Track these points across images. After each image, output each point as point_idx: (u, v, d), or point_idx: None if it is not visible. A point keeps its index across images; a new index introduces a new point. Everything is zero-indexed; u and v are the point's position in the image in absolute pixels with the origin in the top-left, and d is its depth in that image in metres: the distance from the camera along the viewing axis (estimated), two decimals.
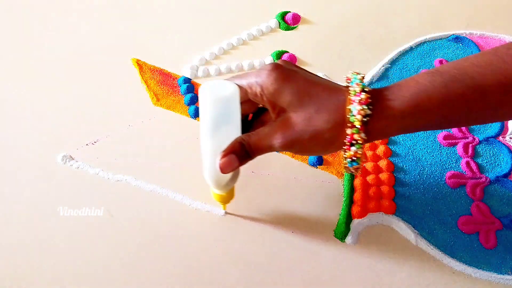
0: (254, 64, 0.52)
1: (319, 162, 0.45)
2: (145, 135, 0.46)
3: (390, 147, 0.46)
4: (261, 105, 0.36)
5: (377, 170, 0.44)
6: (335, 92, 0.32)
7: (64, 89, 0.50)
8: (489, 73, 0.31)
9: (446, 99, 0.31)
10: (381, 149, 0.46)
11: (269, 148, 0.34)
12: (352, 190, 0.43)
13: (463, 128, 0.48)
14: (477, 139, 0.47)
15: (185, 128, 0.47)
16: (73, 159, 0.44)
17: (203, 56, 0.53)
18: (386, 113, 0.31)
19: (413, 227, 0.41)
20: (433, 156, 0.46)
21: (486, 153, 0.46)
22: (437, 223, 0.41)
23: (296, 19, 0.57)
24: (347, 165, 0.33)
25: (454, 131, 0.47)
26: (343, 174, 0.44)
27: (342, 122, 0.31)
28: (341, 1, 0.60)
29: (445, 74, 0.31)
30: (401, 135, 0.47)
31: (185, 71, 0.51)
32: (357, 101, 0.31)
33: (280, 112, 0.33)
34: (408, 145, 0.46)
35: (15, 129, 0.46)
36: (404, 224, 0.41)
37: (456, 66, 0.32)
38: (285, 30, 0.56)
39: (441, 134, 0.47)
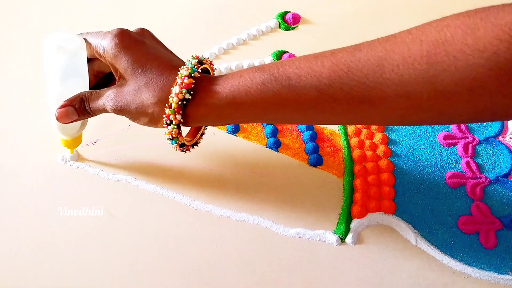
0: (254, 64, 0.52)
1: (319, 162, 0.45)
2: (145, 135, 0.46)
3: (390, 147, 0.46)
4: None
5: (377, 170, 0.44)
6: (168, 70, 0.33)
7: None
8: (305, 75, 0.31)
9: (262, 95, 0.32)
10: (381, 149, 0.46)
11: (104, 109, 0.36)
12: (352, 190, 0.43)
13: (463, 128, 0.48)
14: (477, 139, 0.47)
15: (185, 128, 0.47)
16: (77, 159, 0.44)
17: (203, 56, 0.53)
18: (205, 101, 0.33)
19: (413, 227, 0.41)
20: (433, 156, 0.46)
21: (486, 153, 0.46)
22: (437, 223, 0.41)
23: (296, 19, 0.57)
24: (169, 143, 0.35)
25: (454, 131, 0.47)
26: (343, 174, 0.44)
27: (164, 100, 0.33)
28: (341, 1, 0.60)
29: (266, 72, 0.32)
30: (402, 136, 0.47)
31: None
32: (179, 84, 0.32)
33: (120, 78, 0.35)
34: (408, 145, 0.46)
35: (15, 129, 0.46)
36: (404, 224, 0.41)
37: (279, 66, 0.32)
38: (285, 30, 0.56)
39: (441, 134, 0.47)
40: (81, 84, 0.36)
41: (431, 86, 0.28)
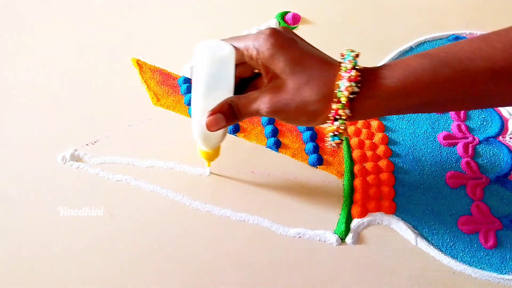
0: None
1: (319, 162, 0.45)
2: (145, 135, 0.46)
3: (390, 147, 0.46)
4: (256, 70, 0.37)
5: (377, 170, 0.44)
6: (327, 66, 0.33)
7: (64, 89, 0.50)
8: (478, 58, 0.31)
9: (434, 81, 0.31)
10: (381, 149, 0.46)
11: (256, 112, 0.34)
12: (352, 190, 0.43)
13: (463, 128, 0.48)
14: (477, 139, 0.47)
15: (185, 128, 0.47)
16: (77, 159, 0.44)
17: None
18: (373, 93, 0.32)
19: (413, 227, 0.41)
20: (433, 156, 0.46)
21: (486, 153, 0.46)
22: (437, 223, 0.41)
23: (296, 19, 0.57)
24: (328, 139, 0.34)
25: (454, 131, 0.47)
26: (343, 174, 0.44)
27: (329, 96, 0.32)
28: (341, 1, 0.60)
29: (434, 57, 0.32)
30: (402, 136, 0.47)
31: (185, 71, 0.51)
32: (347, 78, 0.31)
33: (272, 78, 0.34)
34: (408, 145, 0.46)
35: (15, 129, 0.46)
36: (404, 224, 0.41)
37: (446, 50, 0.32)
38: None
39: (441, 134, 0.47)
40: (226, 93, 0.35)
41: None
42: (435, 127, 0.48)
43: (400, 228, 0.41)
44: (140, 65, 0.52)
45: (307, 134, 0.46)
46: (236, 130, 0.46)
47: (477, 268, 0.39)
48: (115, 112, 0.48)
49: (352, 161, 0.45)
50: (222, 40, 0.35)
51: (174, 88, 0.50)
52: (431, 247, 0.40)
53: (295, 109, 0.33)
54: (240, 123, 0.47)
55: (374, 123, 0.47)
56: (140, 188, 0.42)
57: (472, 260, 0.39)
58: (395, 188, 0.43)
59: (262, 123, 0.47)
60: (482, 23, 0.58)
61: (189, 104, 0.48)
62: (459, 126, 0.48)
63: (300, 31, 0.57)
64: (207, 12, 0.58)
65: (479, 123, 0.48)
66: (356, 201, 0.42)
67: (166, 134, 0.46)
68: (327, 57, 0.34)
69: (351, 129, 0.47)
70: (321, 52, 0.34)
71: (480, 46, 0.31)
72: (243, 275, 0.38)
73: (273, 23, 0.56)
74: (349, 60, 0.32)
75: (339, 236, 0.40)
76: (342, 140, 0.34)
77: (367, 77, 0.32)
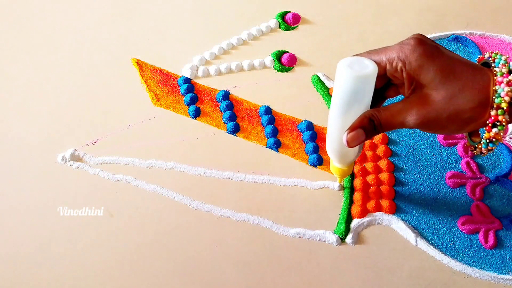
0: (254, 64, 0.52)
1: (319, 162, 0.45)
2: (145, 135, 0.46)
3: (390, 147, 0.46)
4: (395, 82, 0.35)
5: (377, 170, 0.44)
6: (479, 72, 0.31)
7: (64, 89, 0.50)
8: None
9: None
10: (381, 149, 0.46)
11: (401, 125, 0.33)
12: (352, 190, 0.43)
13: None
14: None
15: (185, 128, 0.47)
16: (77, 159, 0.44)
17: (203, 56, 0.53)
18: None
19: (413, 227, 0.41)
20: (433, 156, 0.46)
21: None
22: (437, 223, 0.41)
23: (296, 19, 0.57)
24: (481, 147, 0.32)
25: None
26: None
27: (486, 102, 0.31)
28: (341, 1, 0.60)
29: None
30: (402, 136, 0.47)
31: (185, 71, 0.51)
32: (505, 82, 0.30)
33: (416, 89, 0.33)
34: (408, 145, 0.46)
35: (15, 129, 0.46)
36: (404, 224, 0.41)
37: None
38: (285, 30, 0.56)
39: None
40: (363, 108, 0.35)
41: None
42: None
43: (400, 228, 0.41)
44: (140, 65, 0.52)
45: (307, 134, 0.46)
46: (236, 130, 0.46)
47: (477, 268, 0.39)
48: (115, 112, 0.48)
49: None
50: (361, 55, 0.34)
51: (174, 88, 0.50)
52: (431, 247, 0.40)
53: (446, 119, 0.32)
54: (240, 123, 0.47)
55: None
56: (140, 188, 0.42)
57: (472, 260, 0.39)
58: (395, 188, 0.43)
59: (262, 123, 0.47)
60: (482, 23, 0.58)
61: (189, 104, 0.48)
62: None
63: (300, 31, 0.57)
64: (207, 12, 0.58)
65: None
66: (356, 201, 0.42)
67: (166, 134, 0.46)
68: (475, 63, 0.33)
69: None
70: (466, 59, 0.33)
71: None
72: (243, 275, 0.38)
73: (273, 23, 0.56)
74: (503, 64, 0.31)
75: (339, 236, 0.40)
76: (495, 147, 0.32)
77: None
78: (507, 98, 0.30)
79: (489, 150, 0.33)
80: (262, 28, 0.56)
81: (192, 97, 0.49)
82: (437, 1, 0.61)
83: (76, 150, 0.44)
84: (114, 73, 0.51)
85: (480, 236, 0.41)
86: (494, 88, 0.31)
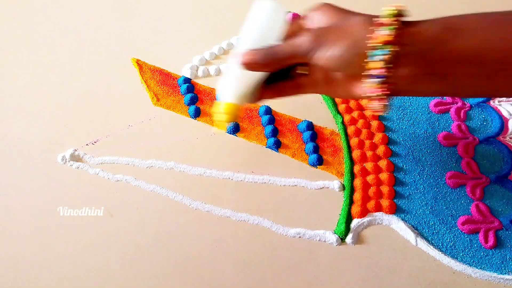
0: None
1: (319, 162, 0.45)
2: (145, 135, 0.46)
3: (390, 147, 0.46)
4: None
5: (377, 170, 0.44)
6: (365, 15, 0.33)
7: (64, 89, 0.50)
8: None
9: (494, 26, 0.29)
10: (381, 149, 0.46)
11: (298, 47, 0.32)
12: (352, 190, 0.43)
13: (463, 128, 0.48)
14: (477, 139, 0.47)
15: (185, 128, 0.47)
16: (77, 159, 0.44)
17: (203, 56, 0.53)
18: (418, 25, 0.31)
19: (413, 227, 0.41)
20: (433, 156, 0.46)
21: (486, 153, 0.46)
22: (437, 223, 0.41)
23: (296, 19, 0.57)
24: (370, 84, 0.30)
25: (454, 131, 0.47)
26: (343, 174, 0.44)
27: (370, 22, 0.31)
28: (341, 2, 0.60)
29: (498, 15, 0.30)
30: (402, 136, 0.47)
31: (185, 71, 0.51)
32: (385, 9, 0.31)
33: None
34: (408, 145, 0.46)
35: (15, 129, 0.46)
36: (404, 224, 0.41)
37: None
38: None
39: (441, 134, 0.47)
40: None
41: None
42: (435, 127, 0.48)
43: (400, 228, 0.41)
44: (140, 65, 0.52)
45: (307, 134, 0.46)
46: (236, 130, 0.46)
47: (477, 268, 0.39)
48: (115, 112, 0.48)
49: (352, 161, 0.45)
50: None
51: (174, 88, 0.50)
52: (431, 247, 0.40)
53: (335, 37, 0.31)
54: (240, 123, 0.47)
55: (374, 123, 0.47)
56: (140, 188, 0.42)
57: (472, 260, 0.39)
58: (395, 188, 0.43)
59: (262, 123, 0.47)
60: None
61: (189, 104, 0.48)
62: (459, 126, 0.48)
63: None
64: (207, 12, 0.58)
65: (479, 123, 0.48)
66: (356, 201, 0.42)
67: (166, 134, 0.46)
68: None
69: (351, 129, 0.47)
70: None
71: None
72: (243, 275, 0.38)
73: None
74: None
75: (339, 236, 0.40)
76: (387, 88, 0.30)
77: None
78: (389, 11, 0.31)
79: (383, 91, 0.30)
80: None
81: (192, 97, 0.49)
82: (437, 1, 0.61)
83: (76, 150, 0.44)
84: (114, 73, 0.51)
85: (480, 236, 0.41)
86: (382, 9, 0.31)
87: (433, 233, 0.41)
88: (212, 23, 0.57)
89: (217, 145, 0.46)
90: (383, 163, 0.45)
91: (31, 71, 0.51)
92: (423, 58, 0.30)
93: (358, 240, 0.40)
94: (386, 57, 0.29)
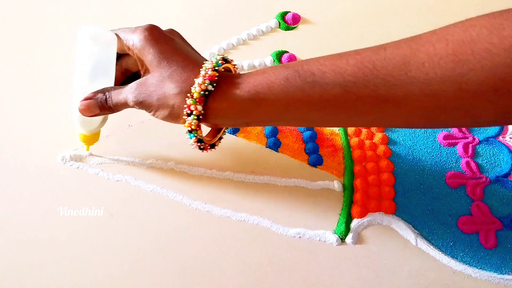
0: (254, 64, 0.52)
1: (319, 162, 0.45)
2: (145, 135, 0.46)
3: (390, 147, 0.46)
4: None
5: (377, 170, 0.44)
6: (192, 65, 0.34)
7: (64, 89, 0.49)
8: (330, 72, 0.30)
9: (286, 91, 0.31)
10: (381, 149, 0.46)
11: (125, 102, 0.36)
12: (352, 190, 0.43)
13: (463, 128, 0.48)
14: (477, 139, 0.47)
15: (185, 128, 0.47)
16: (77, 159, 0.44)
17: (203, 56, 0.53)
18: (227, 94, 0.33)
19: (413, 227, 0.41)
20: (433, 156, 0.46)
21: (486, 153, 0.46)
22: (437, 223, 0.41)
23: (296, 19, 0.57)
24: (188, 138, 0.35)
25: (454, 131, 0.47)
26: (343, 174, 0.44)
27: (186, 91, 0.33)
28: (341, 1, 0.60)
29: (290, 67, 0.32)
30: (402, 136, 0.47)
31: None
32: (202, 75, 0.32)
33: (146, 71, 0.36)
34: (408, 145, 0.46)
35: (15, 129, 0.46)
36: (404, 224, 0.41)
37: (303, 63, 0.32)
38: (285, 30, 0.56)
39: (441, 134, 0.47)
40: (107, 80, 0.37)
41: (457, 85, 0.28)
42: None
43: (400, 228, 0.41)
44: None
45: (307, 134, 0.46)
46: (236, 130, 0.46)
47: (477, 268, 0.39)
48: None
49: (352, 161, 0.45)
50: (106, 29, 0.37)
51: None
52: (431, 247, 0.40)
53: (156, 101, 0.34)
54: None
55: None
56: (140, 188, 0.42)
57: (472, 260, 0.39)
58: (395, 188, 0.43)
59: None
60: None
61: None
62: None
63: (300, 31, 0.57)
64: (207, 12, 0.58)
65: None
66: (356, 201, 0.42)
67: (166, 134, 0.46)
68: (199, 59, 0.35)
69: (351, 129, 0.47)
70: (197, 54, 0.36)
71: (334, 61, 0.31)
72: (243, 275, 0.38)
73: (273, 23, 0.56)
74: (212, 61, 0.33)
75: (339, 236, 0.40)
76: (199, 139, 0.35)
77: (224, 79, 0.33)
78: (198, 89, 0.32)
79: (200, 146, 0.36)
80: (262, 28, 0.56)
81: None
82: (437, 1, 0.61)
83: (76, 150, 0.44)
84: None
85: (480, 236, 0.41)
86: (195, 80, 0.33)
87: (433, 233, 0.41)
88: (212, 23, 0.57)
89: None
90: (383, 163, 0.45)
91: (31, 71, 0.51)
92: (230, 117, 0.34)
93: (358, 240, 0.40)
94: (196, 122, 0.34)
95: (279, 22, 0.57)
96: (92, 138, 0.41)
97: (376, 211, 0.42)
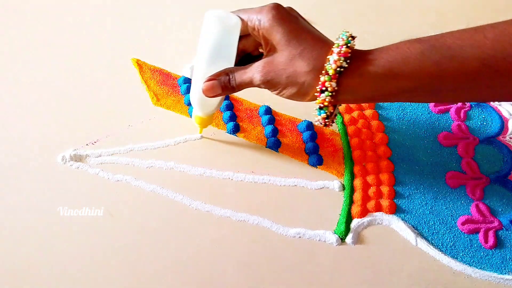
0: None
1: (319, 162, 0.45)
2: (145, 135, 0.46)
3: (390, 147, 0.46)
4: (260, 50, 0.39)
5: (377, 170, 0.44)
6: (321, 43, 0.34)
7: (64, 89, 0.50)
8: (467, 45, 0.31)
9: (422, 65, 0.32)
10: (381, 149, 0.46)
11: (250, 81, 0.36)
12: (352, 190, 0.43)
13: (463, 128, 0.48)
14: (477, 139, 0.47)
15: (185, 128, 0.47)
16: (77, 159, 0.44)
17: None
18: (361, 70, 0.33)
19: (413, 227, 0.41)
20: (433, 156, 0.46)
21: (486, 153, 0.46)
22: (437, 223, 0.41)
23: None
24: (316, 114, 0.36)
25: (454, 131, 0.47)
26: (343, 174, 0.44)
27: (319, 69, 0.33)
28: (341, 1, 0.60)
29: (424, 42, 0.32)
30: (402, 136, 0.47)
31: (185, 71, 0.51)
32: (336, 52, 0.33)
33: (270, 50, 0.36)
34: (408, 145, 0.46)
35: (15, 129, 0.46)
36: (404, 224, 0.41)
37: (437, 37, 0.32)
38: None
39: (441, 134, 0.47)
40: (228, 63, 0.38)
41: None
42: (435, 127, 0.48)
43: (400, 228, 0.41)
44: (140, 65, 0.52)
45: (307, 134, 0.46)
46: (236, 130, 0.46)
47: (477, 268, 0.39)
48: (115, 112, 0.48)
49: (352, 161, 0.45)
50: (230, 12, 0.37)
51: (174, 88, 0.50)
52: (431, 247, 0.40)
53: (285, 79, 0.35)
54: (240, 123, 0.47)
55: (374, 123, 0.47)
56: (140, 188, 0.42)
57: (472, 260, 0.39)
58: (395, 188, 0.43)
59: (262, 123, 0.47)
60: (482, 23, 0.58)
61: (189, 104, 0.48)
62: (459, 126, 0.48)
63: None
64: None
65: (479, 123, 0.48)
66: (356, 201, 0.42)
67: (166, 134, 0.46)
68: (324, 37, 0.36)
69: (351, 129, 0.47)
70: (320, 32, 0.36)
71: (471, 35, 0.31)
72: (243, 275, 0.38)
73: None
74: (342, 39, 0.34)
75: (339, 236, 0.40)
76: (330, 117, 0.35)
77: (357, 56, 0.33)
78: (334, 65, 0.33)
79: (326, 122, 0.36)
80: None
81: None
82: (437, 1, 0.61)
83: (76, 150, 0.44)
84: (114, 73, 0.51)
85: (480, 236, 0.41)
86: (328, 57, 0.33)
87: (433, 233, 0.41)
88: None
89: (217, 145, 0.46)
90: (383, 163, 0.45)
91: (31, 71, 0.51)
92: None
93: (358, 240, 0.40)
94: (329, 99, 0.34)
95: None
96: (206, 120, 0.43)
97: (376, 211, 0.42)
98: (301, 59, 0.34)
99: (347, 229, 0.41)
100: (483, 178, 0.44)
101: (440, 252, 0.40)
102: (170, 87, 0.50)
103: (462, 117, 0.49)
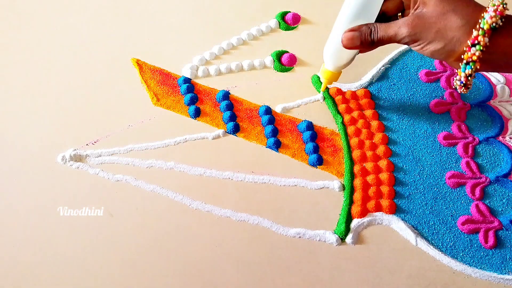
0: (254, 64, 0.52)
1: (319, 162, 0.45)
2: (145, 135, 0.46)
3: (390, 147, 0.46)
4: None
5: (377, 170, 0.44)
6: (474, 2, 0.35)
7: (64, 89, 0.50)
8: None
9: None
10: (381, 149, 0.46)
11: (395, 35, 0.37)
12: (352, 190, 0.43)
13: (463, 128, 0.48)
14: (477, 139, 0.47)
15: (185, 128, 0.47)
16: (77, 159, 0.44)
17: (203, 56, 0.53)
18: None
19: (413, 227, 0.41)
20: (433, 156, 0.46)
21: (486, 153, 0.46)
22: (437, 223, 0.42)
23: (296, 19, 0.57)
24: (460, 71, 0.35)
25: (454, 131, 0.47)
26: (343, 174, 0.44)
27: (472, 24, 0.34)
28: (341, 1, 0.60)
29: None
30: (402, 136, 0.47)
31: (185, 71, 0.51)
32: (493, 9, 0.34)
33: (418, 7, 0.36)
34: (408, 145, 0.46)
35: (15, 129, 0.46)
36: (404, 224, 0.41)
37: None
38: (285, 30, 0.56)
39: (441, 134, 0.47)
40: (369, 20, 0.39)
41: None
42: (435, 127, 0.48)
43: (400, 228, 0.41)
44: (140, 65, 0.52)
45: (307, 134, 0.46)
46: (236, 130, 0.47)
47: (477, 268, 0.39)
48: (115, 112, 0.48)
49: (352, 161, 0.45)
50: None
51: (174, 88, 0.50)
52: (431, 247, 0.40)
53: (434, 33, 0.35)
54: (240, 123, 0.47)
55: (374, 123, 0.47)
56: (140, 188, 0.42)
57: (472, 260, 0.39)
58: (395, 188, 0.43)
59: (262, 123, 0.47)
60: None
61: (189, 104, 0.48)
62: (459, 126, 0.48)
63: (300, 31, 0.57)
64: (207, 12, 0.58)
65: (479, 123, 0.48)
66: (356, 201, 0.42)
67: (166, 134, 0.46)
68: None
69: (351, 129, 0.47)
70: None
71: None
72: (243, 275, 0.38)
73: (273, 23, 0.56)
74: (499, 1, 0.34)
75: (339, 236, 0.40)
76: (473, 73, 0.35)
77: (510, 19, 0.34)
78: (489, 21, 0.33)
79: (467, 82, 0.36)
80: (262, 28, 0.56)
81: (192, 97, 0.49)
82: None
83: (76, 150, 0.44)
84: (114, 73, 0.51)
85: (480, 236, 0.41)
86: (482, 15, 0.34)
87: (433, 233, 0.41)
88: (212, 23, 0.57)
89: (217, 145, 0.46)
90: (383, 163, 0.45)
91: (31, 71, 0.51)
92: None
93: (358, 240, 0.40)
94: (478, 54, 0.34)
95: (279, 22, 0.57)
96: (333, 76, 0.44)
97: (376, 211, 0.42)
98: (455, 14, 0.34)
99: (347, 229, 0.41)
100: (483, 178, 0.44)
101: (440, 252, 0.40)
102: (170, 87, 0.50)
103: (462, 117, 0.49)
